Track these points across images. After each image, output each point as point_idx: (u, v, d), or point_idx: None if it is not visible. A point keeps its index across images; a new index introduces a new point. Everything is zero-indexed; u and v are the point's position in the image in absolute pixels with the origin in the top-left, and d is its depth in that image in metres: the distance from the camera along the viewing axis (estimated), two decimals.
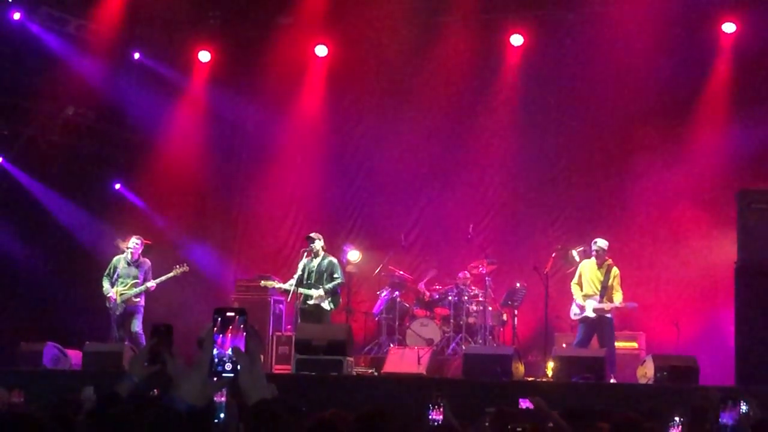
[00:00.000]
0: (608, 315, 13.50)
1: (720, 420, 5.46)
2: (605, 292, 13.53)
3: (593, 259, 13.71)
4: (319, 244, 13.93)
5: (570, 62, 16.63)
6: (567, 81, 16.81)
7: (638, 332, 15.00)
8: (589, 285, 13.62)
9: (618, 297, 13.51)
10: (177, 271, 14.34)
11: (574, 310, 13.74)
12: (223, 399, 3.47)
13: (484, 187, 17.38)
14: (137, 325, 14.06)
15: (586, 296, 13.59)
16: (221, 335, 2.67)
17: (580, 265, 13.92)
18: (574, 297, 13.71)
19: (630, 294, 14.05)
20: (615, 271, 13.65)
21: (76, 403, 6.14)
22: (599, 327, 13.50)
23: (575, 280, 13.81)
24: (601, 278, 13.59)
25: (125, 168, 17.45)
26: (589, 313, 13.47)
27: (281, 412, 2.74)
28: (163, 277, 14.27)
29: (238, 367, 2.64)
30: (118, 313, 14.12)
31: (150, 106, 17.44)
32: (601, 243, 13.71)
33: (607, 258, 13.71)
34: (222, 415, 3.49)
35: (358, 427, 4.71)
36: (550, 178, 17.03)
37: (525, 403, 7.52)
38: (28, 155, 15.99)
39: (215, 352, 2.65)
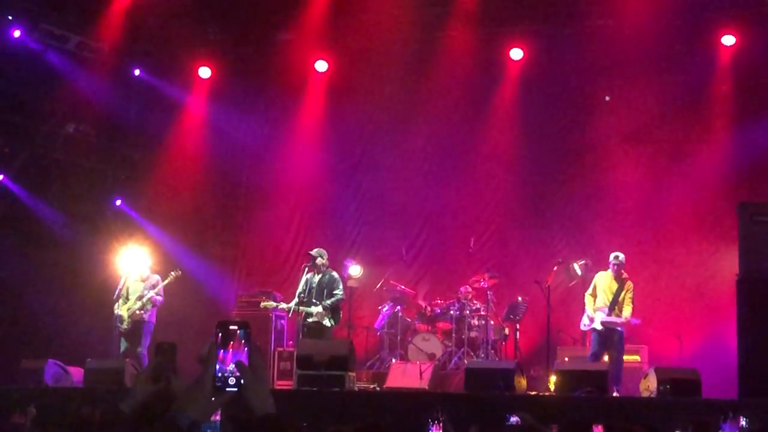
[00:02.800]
0: (619, 328, 13.50)
1: (720, 430, 5.45)
2: (615, 304, 13.53)
3: (609, 270, 13.70)
4: (321, 260, 13.85)
5: (570, 76, 16.67)
6: (567, 95, 16.84)
7: (641, 345, 14.97)
8: (603, 296, 13.62)
9: (627, 311, 13.50)
10: (170, 277, 14.35)
11: (584, 321, 13.75)
12: (217, 418, 3.46)
13: (485, 201, 17.39)
14: (143, 345, 14.05)
15: (598, 308, 13.59)
16: (223, 350, 2.66)
17: (596, 275, 13.89)
18: (586, 308, 13.71)
19: (633, 307, 14.07)
20: (629, 285, 13.63)
21: (81, 420, 6.13)
22: (610, 338, 13.49)
23: (589, 291, 13.79)
24: (615, 290, 13.58)
25: (126, 184, 17.47)
26: (597, 326, 13.48)
27: (285, 427, 2.73)
28: (159, 286, 14.29)
29: (242, 381, 2.63)
30: (125, 327, 14.11)
31: (151, 122, 17.49)
32: (622, 257, 13.70)
33: (623, 272, 13.70)
34: None
35: None
36: (551, 192, 17.04)
37: (513, 419, 7.48)
38: (29, 172, 16.00)
39: (217, 367, 2.64)
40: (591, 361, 13.53)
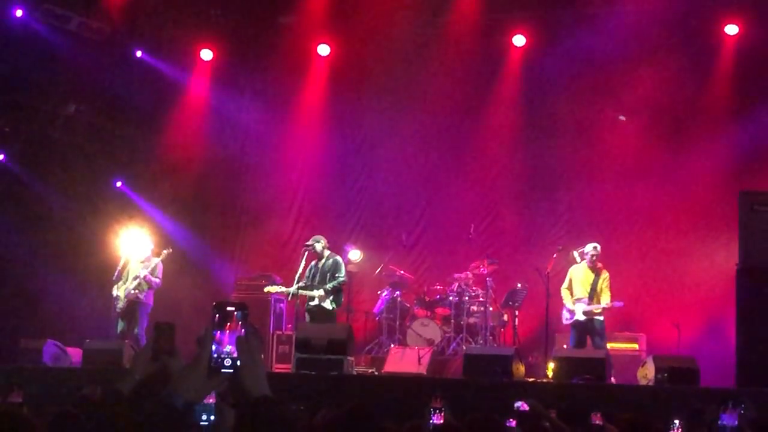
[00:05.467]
0: (600, 318, 13.53)
1: (720, 421, 5.46)
2: (594, 294, 13.56)
3: (583, 263, 13.75)
4: (319, 246, 13.91)
5: (572, 63, 16.61)
6: (569, 82, 16.78)
7: (639, 333, 15.00)
8: (580, 288, 13.65)
9: (606, 298, 13.54)
10: (162, 255, 14.37)
11: (565, 315, 13.81)
12: (212, 400, 3.45)
13: (485, 188, 17.38)
14: (140, 326, 14.06)
15: (577, 300, 13.62)
16: (219, 331, 2.65)
17: (570, 269, 13.93)
18: (564, 302, 13.76)
19: (631, 295, 14.14)
20: (605, 274, 13.70)
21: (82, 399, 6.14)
22: (591, 329, 13.52)
23: (565, 284, 13.85)
24: (591, 281, 13.61)
25: (126, 166, 17.42)
26: (579, 317, 13.53)
27: (281, 409, 2.72)
28: (152, 265, 14.26)
29: (238, 363, 2.62)
30: (121, 307, 14.12)
31: (152, 103, 17.43)
32: (599, 247, 13.72)
33: (599, 262, 13.73)
34: (212, 417, 3.47)
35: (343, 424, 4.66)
36: (552, 179, 17.03)
37: (521, 405, 7.51)
38: (29, 152, 15.97)
39: (214, 348, 2.63)
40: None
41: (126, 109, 17.25)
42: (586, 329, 13.55)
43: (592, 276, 13.66)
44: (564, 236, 16.33)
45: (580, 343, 13.54)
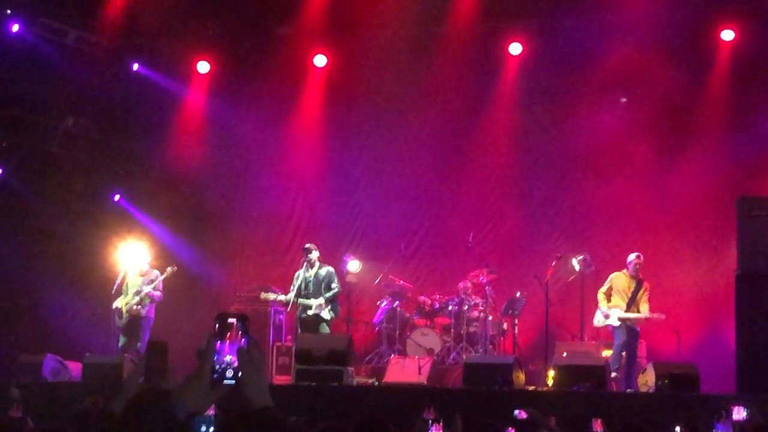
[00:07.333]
0: (636, 328, 13.50)
1: (714, 430, 5.46)
2: (633, 303, 13.51)
3: (624, 271, 13.68)
4: (315, 254, 13.97)
5: (568, 70, 16.63)
6: (565, 89, 16.81)
7: (639, 340, 14.97)
8: (620, 296, 13.59)
9: (645, 308, 13.50)
10: (167, 272, 14.39)
11: (598, 317, 13.73)
12: (212, 412, 3.46)
13: (484, 196, 17.38)
14: (142, 340, 14.06)
15: (613, 306, 13.55)
16: (220, 341, 2.66)
17: (611, 276, 13.84)
18: (599, 305, 13.69)
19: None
20: (647, 285, 13.67)
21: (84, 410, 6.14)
22: (628, 337, 13.48)
23: (603, 289, 13.75)
24: (633, 290, 13.56)
25: (124, 179, 17.44)
26: (614, 322, 13.47)
27: (281, 420, 2.73)
28: (157, 281, 14.28)
29: (239, 374, 2.63)
30: (122, 323, 14.12)
31: (149, 116, 17.46)
32: (642, 256, 13.71)
33: (641, 272, 13.69)
34: (212, 429, 3.48)
35: None
36: (550, 187, 17.03)
37: (519, 413, 7.51)
38: (27, 166, 15.99)
39: (215, 358, 2.64)
40: (619, 352, 13.46)
41: (124, 122, 17.29)
42: (625, 334, 13.51)
43: (633, 285, 13.61)
44: (563, 244, 16.31)
45: (626, 341, 13.45)
